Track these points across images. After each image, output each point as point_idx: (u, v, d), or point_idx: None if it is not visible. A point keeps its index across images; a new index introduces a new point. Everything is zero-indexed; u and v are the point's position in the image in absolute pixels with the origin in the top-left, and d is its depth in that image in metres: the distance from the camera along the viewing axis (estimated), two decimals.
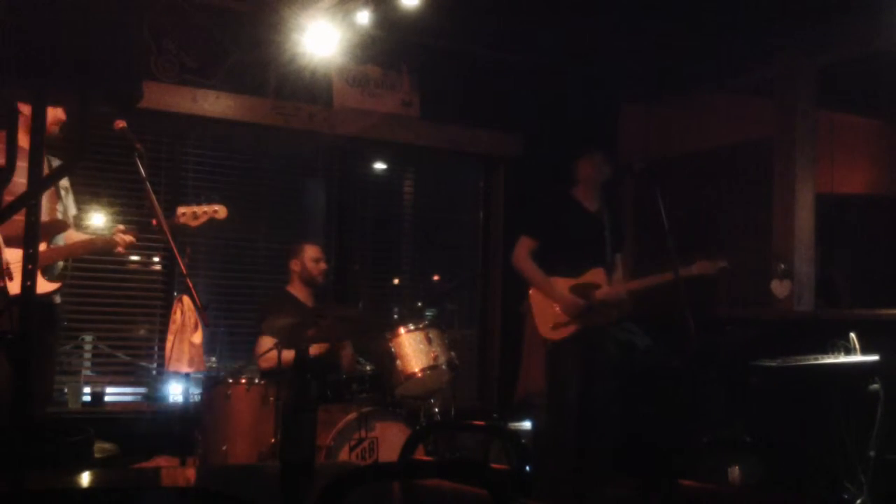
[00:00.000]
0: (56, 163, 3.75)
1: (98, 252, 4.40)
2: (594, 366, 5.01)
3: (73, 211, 4.22)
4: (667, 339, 5.60)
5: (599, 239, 5.14)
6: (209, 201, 4.32)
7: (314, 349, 5.11)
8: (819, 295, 6.07)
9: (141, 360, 5.89)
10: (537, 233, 5.12)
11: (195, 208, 4.24)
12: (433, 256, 7.06)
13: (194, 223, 4.22)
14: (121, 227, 4.15)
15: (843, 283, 6.45)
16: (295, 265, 5.39)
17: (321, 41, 5.56)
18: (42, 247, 3.88)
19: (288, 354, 4.69)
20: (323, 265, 5.45)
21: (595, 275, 5.04)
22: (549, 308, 5.03)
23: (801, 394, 4.57)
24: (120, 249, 4.10)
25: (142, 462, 4.83)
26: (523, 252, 5.11)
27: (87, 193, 5.56)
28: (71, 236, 4.13)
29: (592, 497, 4.95)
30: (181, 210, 4.21)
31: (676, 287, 4.70)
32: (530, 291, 5.13)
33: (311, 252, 5.41)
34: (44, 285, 3.82)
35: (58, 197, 4.03)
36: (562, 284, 5.02)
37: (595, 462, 5.02)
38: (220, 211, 4.31)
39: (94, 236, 4.24)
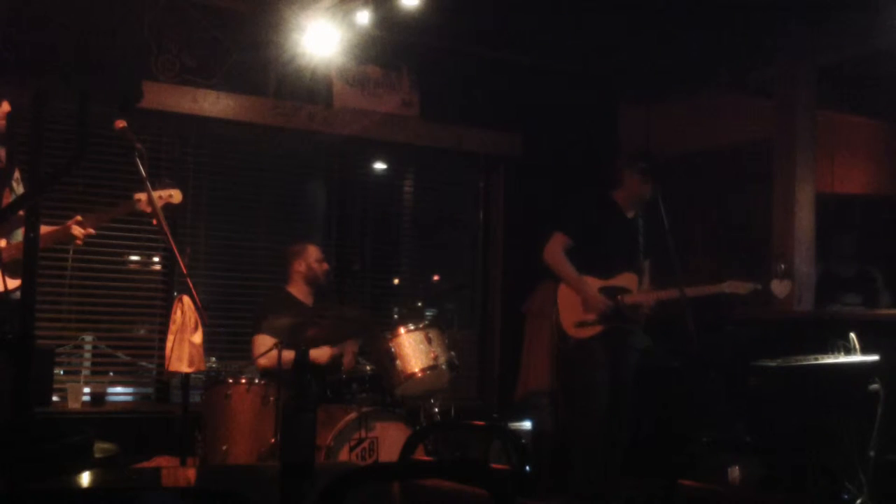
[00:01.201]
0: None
1: (58, 243, 4.36)
2: (617, 367, 5.01)
3: None
4: (667, 339, 5.60)
5: (633, 243, 5.12)
6: (163, 185, 4.27)
7: (321, 355, 5.11)
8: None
9: (141, 360, 5.89)
10: (573, 231, 5.10)
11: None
12: (433, 256, 7.06)
13: (150, 209, 4.16)
14: (78, 217, 4.13)
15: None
16: (299, 266, 5.36)
17: (321, 41, 5.57)
18: (2, 243, 3.86)
19: (288, 354, 4.69)
20: (326, 265, 5.45)
21: (626, 279, 5.02)
22: (577, 305, 5.01)
23: (801, 394, 4.57)
24: (78, 242, 4.09)
25: (142, 462, 4.82)
26: (557, 248, 5.07)
27: (88, 193, 5.56)
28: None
29: (615, 497, 4.95)
30: (137, 196, 4.18)
31: (677, 287, 4.71)
32: (559, 287, 5.10)
33: (314, 253, 5.40)
34: (7, 282, 3.77)
35: (11, 190, 3.98)
36: (592, 284, 5.01)
37: (615, 462, 5.02)
38: (175, 195, 4.27)
39: (51, 228, 4.20)
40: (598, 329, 4.96)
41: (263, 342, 4.98)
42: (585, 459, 4.97)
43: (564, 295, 5.07)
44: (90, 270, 5.62)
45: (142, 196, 4.16)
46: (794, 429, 4.63)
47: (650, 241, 5.17)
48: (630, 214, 5.17)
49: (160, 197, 4.20)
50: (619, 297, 4.96)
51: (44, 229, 4.11)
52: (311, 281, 5.37)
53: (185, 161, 6.04)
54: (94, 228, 4.14)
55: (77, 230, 4.06)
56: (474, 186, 7.14)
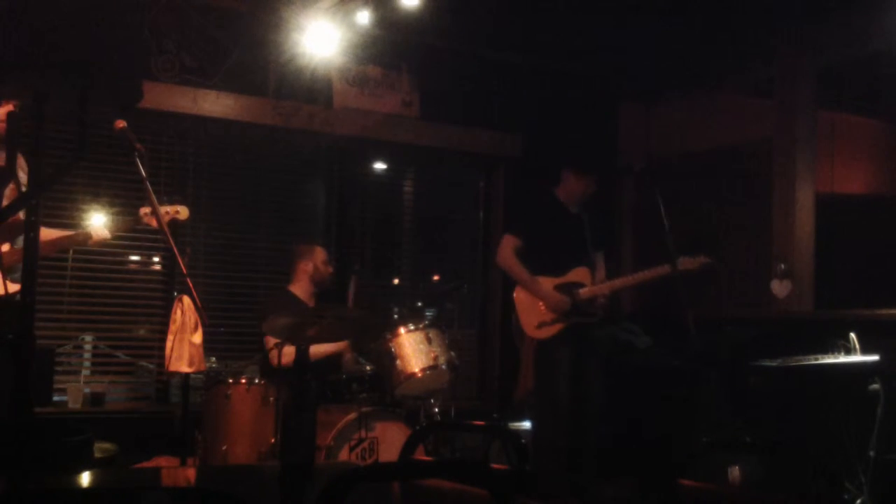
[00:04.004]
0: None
1: (69, 248, 4.35)
2: (581, 364, 5.03)
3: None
4: (667, 339, 5.59)
5: (581, 238, 5.17)
6: (172, 202, 4.29)
7: (322, 349, 5.10)
8: None
9: (141, 360, 5.89)
10: (521, 232, 5.15)
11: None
12: (433, 256, 7.06)
13: (154, 222, 4.17)
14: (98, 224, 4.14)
15: None
16: (306, 266, 5.36)
17: (321, 41, 5.57)
18: (5, 248, 3.86)
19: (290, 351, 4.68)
20: (331, 269, 5.49)
21: (579, 274, 5.08)
22: (535, 307, 5.06)
23: (801, 394, 4.57)
24: (91, 243, 4.09)
25: (142, 462, 4.82)
26: (508, 250, 5.14)
27: (88, 193, 5.56)
28: (41, 234, 4.10)
29: (589, 496, 4.95)
30: (143, 210, 4.19)
31: (677, 287, 4.70)
32: (515, 290, 5.15)
33: (322, 255, 5.43)
34: (9, 287, 3.77)
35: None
36: (546, 283, 5.04)
37: (585, 460, 5.02)
38: (182, 212, 4.29)
39: (64, 233, 4.21)
40: (558, 327, 5.00)
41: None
42: (556, 458, 4.97)
43: (521, 298, 5.10)
44: (90, 270, 5.62)
45: (146, 210, 4.17)
46: (794, 429, 4.62)
47: (599, 235, 5.24)
48: (573, 209, 5.21)
49: (167, 212, 4.22)
50: (575, 291, 4.99)
51: (55, 233, 4.13)
52: (317, 282, 5.38)
53: (185, 161, 6.03)
54: (111, 234, 4.14)
55: (95, 231, 4.06)
56: (474, 186, 7.14)
